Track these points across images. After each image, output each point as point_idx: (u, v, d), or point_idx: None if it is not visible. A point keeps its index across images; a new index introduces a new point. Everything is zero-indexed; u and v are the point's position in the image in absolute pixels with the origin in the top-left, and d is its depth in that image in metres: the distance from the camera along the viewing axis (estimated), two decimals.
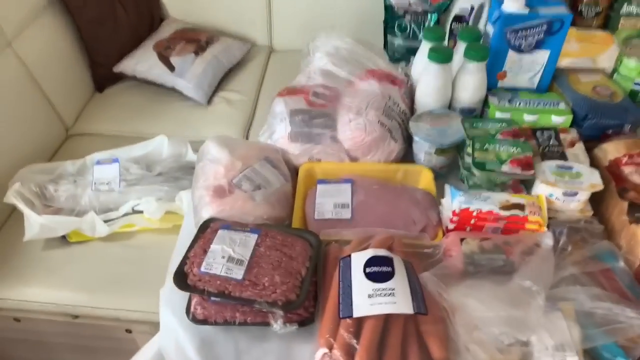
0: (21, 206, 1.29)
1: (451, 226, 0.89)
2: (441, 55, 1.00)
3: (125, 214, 1.36)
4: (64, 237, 1.33)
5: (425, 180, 1.01)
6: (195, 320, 0.79)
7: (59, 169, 1.45)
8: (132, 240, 1.35)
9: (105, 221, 1.34)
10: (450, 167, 1.05)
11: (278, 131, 1.04)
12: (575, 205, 0.89)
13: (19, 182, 1.35)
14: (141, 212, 1.36)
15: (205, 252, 0.81)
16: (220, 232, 0.84)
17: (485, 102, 1.08)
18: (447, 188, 0.91)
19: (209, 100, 1.80)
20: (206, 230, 0.86)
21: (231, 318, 0.78)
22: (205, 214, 0.90)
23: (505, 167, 0.91)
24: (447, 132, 1.00)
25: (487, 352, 0.71)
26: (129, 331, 1.27)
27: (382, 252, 0.78)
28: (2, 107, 1.46)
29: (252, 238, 0.83)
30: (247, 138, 1.69)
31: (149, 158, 1.49)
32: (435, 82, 1.03)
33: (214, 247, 0.81)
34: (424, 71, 1.05)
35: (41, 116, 1.64)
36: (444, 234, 0.90)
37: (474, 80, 1.03)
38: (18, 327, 1.33)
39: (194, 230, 0.91)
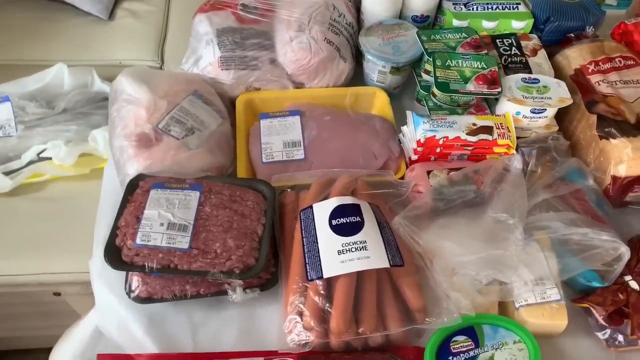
0: None
1: (415, 157, 0.80)
2: None
3: (30, 162, 1.16)
4: None
5: (379, 103, 0.90)
6: (138, 299, 0.67)
7: None
8: (44, 192, 1.16)
9: (6, 173, 1.14)
10: (404, 86, 0.95)
11: (205, 57, 0.87)
12: (543, 122, 0.83)
13: None
14: (50, 158, 1.16)
15: (138, 219, 0.67)
16: (152, 192, 0.70)
17: (438, 8, 0.96)
18: (409, 115, 0.81)
19: (111, 14, 1.52)
20: (135, 191, 0.72)
21: (181, 292, 0.67)
22: (131, 170, 0.75)
23: (470, 86, 0.81)
24: (402, 47, 0.88)
25: (468, 297, 0.66)
26: (57, 294, 1.13)
27: (347, 199, 0.69)
28: None
29: (194, 196, 0.70)
30: (162, 58, 1.46)
31: (47, 92, 1.25)
32: None
33: (148, 212, 0.68)
34: None
35: None
36: (407, 167, 0.82)
37: None
38: None
39: (119, 186, 0.77)
